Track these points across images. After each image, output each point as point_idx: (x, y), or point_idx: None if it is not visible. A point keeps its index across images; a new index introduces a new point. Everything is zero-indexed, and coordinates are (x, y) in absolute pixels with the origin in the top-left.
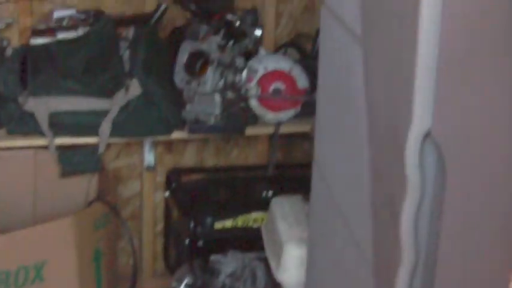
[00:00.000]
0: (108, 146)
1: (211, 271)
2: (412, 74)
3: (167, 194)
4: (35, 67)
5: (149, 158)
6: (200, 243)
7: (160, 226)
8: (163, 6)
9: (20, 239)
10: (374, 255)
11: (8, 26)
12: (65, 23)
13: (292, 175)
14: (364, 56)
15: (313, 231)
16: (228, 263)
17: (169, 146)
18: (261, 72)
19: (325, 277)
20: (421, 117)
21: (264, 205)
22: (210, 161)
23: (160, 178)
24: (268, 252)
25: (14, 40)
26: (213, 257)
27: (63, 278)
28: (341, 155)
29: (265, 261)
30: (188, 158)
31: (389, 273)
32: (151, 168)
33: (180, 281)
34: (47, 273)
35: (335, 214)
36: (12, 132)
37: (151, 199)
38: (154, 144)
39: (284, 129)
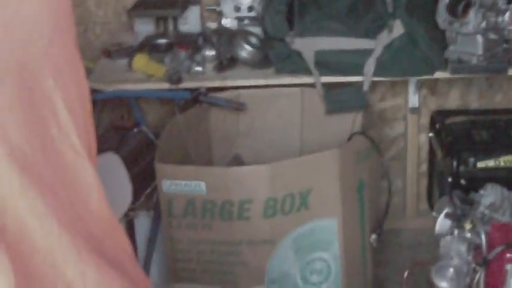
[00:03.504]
0: (373, 87)
1: (470, 202)
2: None
3: (431, 134)
4: (301, 9)
5: (414, 99)
6: (462, 181)
7: (424, 167)
8: None
9: (288, 168)
10: None
11: None
12: None
13: None
14: None
15: None
16: (488, 195)
17: (433, 88)
18: None
19: None
20: None
21: None
22: (473, 104)
23: (424, 120)
24: None
25: None
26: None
27: (328, 207)
28: None
29: None
30: (452, 100)
31: None
32: (415, 110)
33: (439, 211)
34: (312, 201)
35: None
36: (280, 71)
37: (415, 140)
38: (419, 86)
39: None
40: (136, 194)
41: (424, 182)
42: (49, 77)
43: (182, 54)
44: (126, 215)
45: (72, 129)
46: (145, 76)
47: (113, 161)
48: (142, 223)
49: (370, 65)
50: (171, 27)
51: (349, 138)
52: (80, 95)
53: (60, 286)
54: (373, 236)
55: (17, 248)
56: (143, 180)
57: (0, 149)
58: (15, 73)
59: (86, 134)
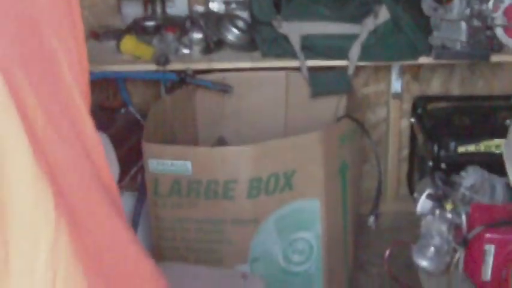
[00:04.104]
0: (357, 73)
1: (451, 183)
2: None
3: (413, 120)
4: None
5: (396, 85)
6: (443, 165)
7: (405, 152)
8: None
9: (272, 149)
10: None
11: None
12: None
13: None
14: None
15: None
16: (469, 177)
17: (416, 74)
18: (507, 2)
19: None
20: None
21: (506, 133)
22: (455, 90)
23: (407, 105)
24: (508, 167)
25: None
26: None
27: (311, 187)
28: None
29: (505, 177)
30: (434, 87)
31: None
32: (398, 95)
33: (421, 192)
34: (296, 181)
35: None
36: (266, 54)
37: (397, 125)
38: (402, 72)
39: None
40: (122, 174)
41: (405, 167)
42: (53, 36)
43: (170, 36)
44: None
45: (76, 92)
46: (132, 58)
47: (102, 140)
48: (127, 202)
49: (355, 50)
50: (158, 9)
51: (338, 120)
52: (80, 60)
53: None
54: (371, 218)
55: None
56: (129, 160)
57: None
58: (27, 26)
59: (86, 100)
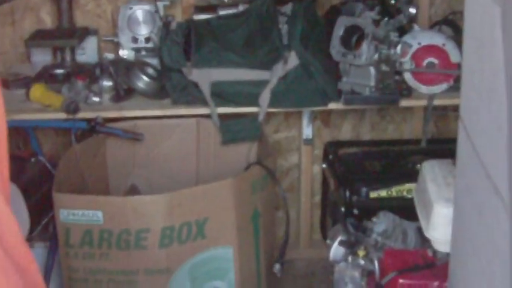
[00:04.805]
0: (268, 119)
1: (363, 229)
2: None
3: (324, 165)
4: (198, 40)
5: (307, 131)
6: (355, 211)
7: (317, 197)
8: None
9: (184, 198)
10: None
11: (173, 3)
12: (226, 0)
13: (446, 148)
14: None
15: (459, 189)
16: (380, 222)
17: (327, 120)
18: (415, 47)
19: (468, 232)
20: None
21: (417, 177)
22: (366, 135)
23: (318, 151)
24: (419, 212)
25: (178, 16)
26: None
27: (224, 235)
28: (484, 111)
29: (415, 222)
30: (345, 132)
31: None
32: (309, 141)
33: (333, 239)
34: (208, 229)
35: (477, 167)
36: (176, 102)
37: (309, 171)
38: (312, 118)
39: (437, 102)
40: (33, 224)
41: (318, 212)
42: None
43: (79, 84)
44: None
45: None
46: (42, 106)
47: (11, 190)
48: (38, 253)
49: (265, 96)
50: (68, 57)
51: (247, 168)
52: None
53: None
54: (277, 266)
55: None
56: (40, 211)
57: None
58: None
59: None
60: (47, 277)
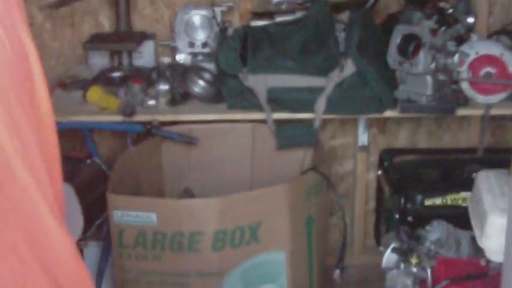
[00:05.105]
0: (324, 125)
1: (417, 237)
2: None
3: (380, 172)
4: (254, 46)
5: (363, 138)
6: (410, 218)
7: (371, 204)
8: None
9: (238, 202)
10: None
11: (230, 9)
12: (283, 7)
13: (502, 158)
14: None
15: None
16: (434, 231)
17: (383, 127)
18: (472, 56)
19: None
20: None
21: (473, 186)
22: (422, 143)
23: (373, 158)
24: (473, 221)
25: (235, 22)
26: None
27: (277, 240)
28: None
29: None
30: (401, 139)
31: None
32: (365, 148)
33: (386, 246)
34: (261, 234)
35: None
36: (232, 107)
37: (364, 177)
38: (368, 125)
39: (494, 112)
40: (87, 224)
41: (372, 219)
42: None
43: (136, 87)
44: (76, 244)
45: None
46: (99, 108)
47: (66, 191)
48: (92, 253)
49: (321, 103)
50: (125, 61)
51: (303, 174)
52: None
53: None
54: (337, 272)
55: None
56: (94, 211)
57: None
58: None
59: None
60: (99, 277)
